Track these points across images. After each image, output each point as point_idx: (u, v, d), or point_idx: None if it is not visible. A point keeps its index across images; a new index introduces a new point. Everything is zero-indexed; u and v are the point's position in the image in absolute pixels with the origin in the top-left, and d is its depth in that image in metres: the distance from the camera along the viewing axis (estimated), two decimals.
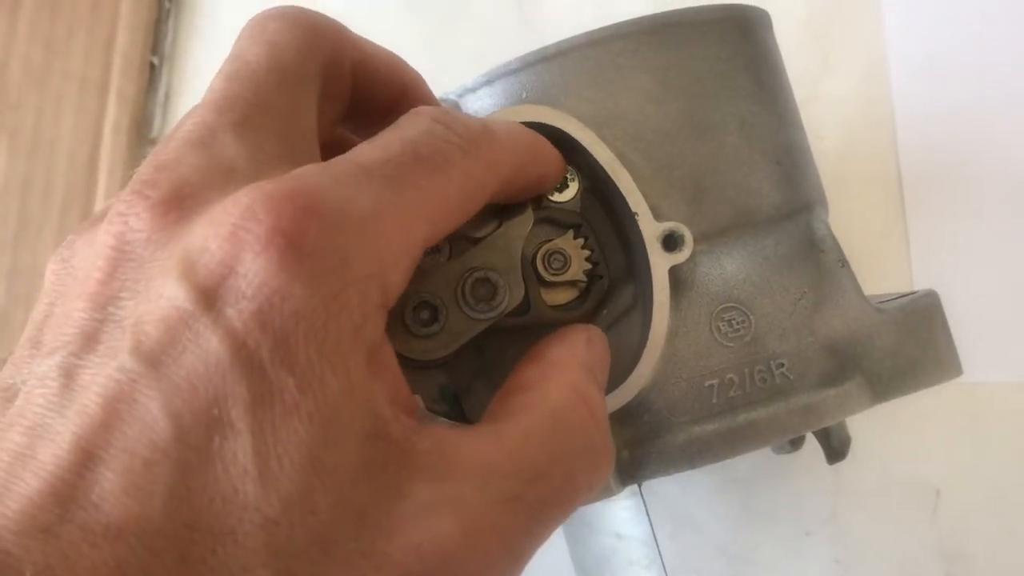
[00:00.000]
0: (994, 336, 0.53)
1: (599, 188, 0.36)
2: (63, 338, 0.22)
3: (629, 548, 0.38)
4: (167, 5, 0.63)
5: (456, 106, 0.38)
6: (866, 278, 0.37)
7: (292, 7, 0.29)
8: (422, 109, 0.28)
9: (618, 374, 0.34)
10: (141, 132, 0.61)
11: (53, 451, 0.20)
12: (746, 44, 0.39)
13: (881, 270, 0.55)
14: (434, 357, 0.33)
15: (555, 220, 0.36)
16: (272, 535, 0.20)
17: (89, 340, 0.22)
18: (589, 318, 0.36)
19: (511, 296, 0.34)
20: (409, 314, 0.33)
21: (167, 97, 0.62)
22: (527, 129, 0.32)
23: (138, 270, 0.22)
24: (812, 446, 0.45)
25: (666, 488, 0.54)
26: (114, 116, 0.61)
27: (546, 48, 0.36)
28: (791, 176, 0.38)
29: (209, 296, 0.21)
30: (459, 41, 0.63)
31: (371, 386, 0.23)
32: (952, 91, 0.57)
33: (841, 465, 0.52)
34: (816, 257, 0.37)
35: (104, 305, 0.22)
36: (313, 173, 0.23)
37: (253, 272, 0.21)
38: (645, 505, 0.38)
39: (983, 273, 0.54)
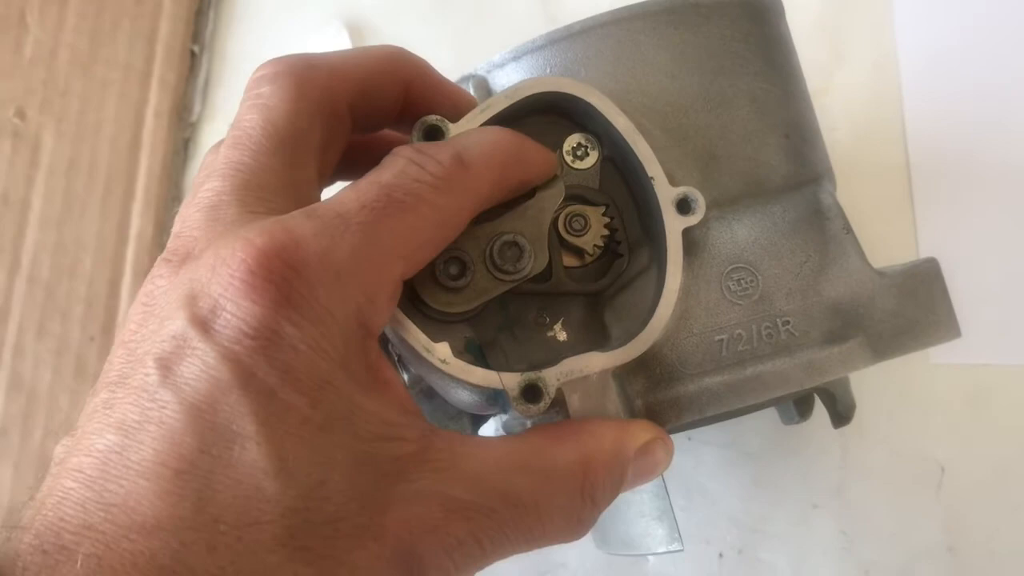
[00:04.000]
0: (1000, 319, 0.55)
1: (618, 157, 0.38)
2: (106, 380, 0.27)
3: (641, 501, 0.39)
4: None
5: (484, 81, 0.41)
6: (872, 261, 0.39)
7: (284, 61, 0.32)
8: (400, 150, 0.32)
9: (634, 329, 0.36)
10: (181, 117, 0.64)
11: (96, 464, 0.25)
12: (758, 26, 0.41)
13: (889, 257, 0.57)
14: (458, 310, 0.36)
15: (585, 198, 0.38)
16: (291, 521, 0.25)
17: (123, 377, 0.27)
18: (605, 290, 0.38)
19: (535, 262, 0.36)
20: (440, 266, 0.36)
21: (207, 83, 0.65)
22: (508, 139, 0.35)
23: (159, 316, 0.27)
24: (819, 422, 0.47)
25: (680, 461, 0.55)
26: (155, 102, 0.64)
27: (571, 25, 0.39)
28: (799, 150, 0.40)
29: (213, 333, 0.26)
30: (485, 36, 0.65)
31: (376, 399, 0.28)
32: (960, 83, 0.59)
33: (848, 441, 0.55)
34: (822, 224, 0.39)
35: (134, 349, 0.27)
36: (298, 224, 0.28)
37: (252, 315, 0.26)
38: None
39: (989, 260, 0.56)
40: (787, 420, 0.49)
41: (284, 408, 0.25)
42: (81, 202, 0.62)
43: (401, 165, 0.31)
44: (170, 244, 0.30)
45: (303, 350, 0.26)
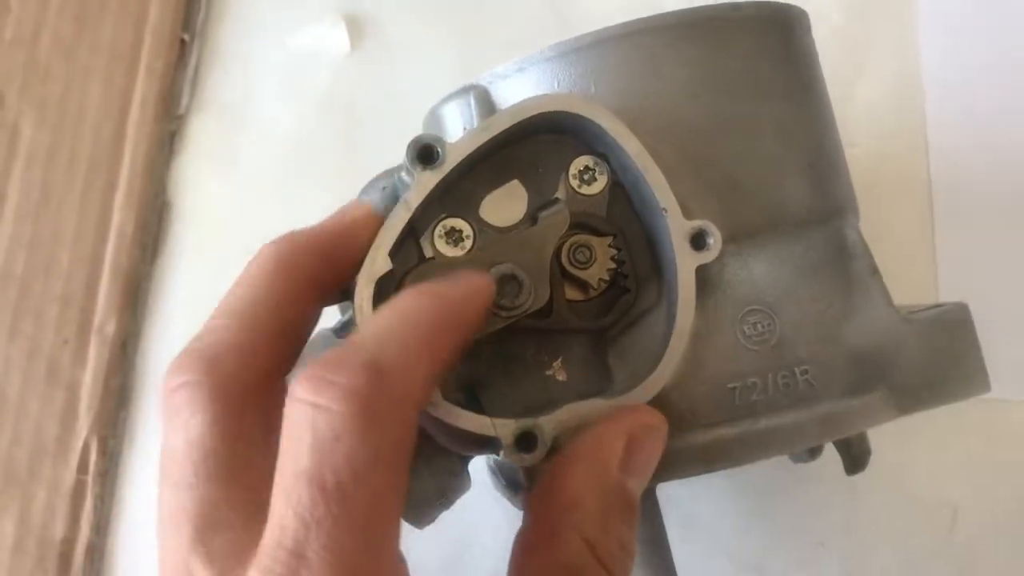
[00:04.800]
0: (1020, 354, 0.52)
1: (628, 183, 0.35)
2: None
3: (641, 551, 0.37)
4: None
5: (486, 92, 0.38)
6: (891, 289, 0.36)
7: (186, 364, 0.29)
8: (294, 396, 0.26)
9: (639, 372, 0.34)
10: (168, 107, 0.61)
11: None
12: (784, 43, 0.38)
13: (906, 282, 0.54)
14: None
15: (591, 227, 0.35)
16: None
17: None
18: (610, 328, 0.35)
19: (535, 297, 0.33)
20: None
21: (196, 73, 0.62)
22: (427, 305, 0.29)
23: None
24: (830, 455, 0.44)
25: (678, 490, 0.53)
26: (142, 90, 0.61)
27: (581, 37, 0.36)
28: (824, 180, 0.37)
29: None
30: (490, 32, 0.62)
31: None
32: (987, 101, 0.56)
33: (858, 477, 0.52)
34: (846, 264, 0.36)
35: None
36: None
37: None
38: (659, 507, 0.38)
39: (1011, 289, 0.54)
40: (796, 459, 0.46)
41: None
42: (59, 195, 0.59)
43: (307, 433, 0.25)
44: None
45: None
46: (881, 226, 0.52)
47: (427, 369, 0.28)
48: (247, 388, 0.30)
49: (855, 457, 0.41)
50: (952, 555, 0.51)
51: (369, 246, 0.33)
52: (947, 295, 0.54)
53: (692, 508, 0.53)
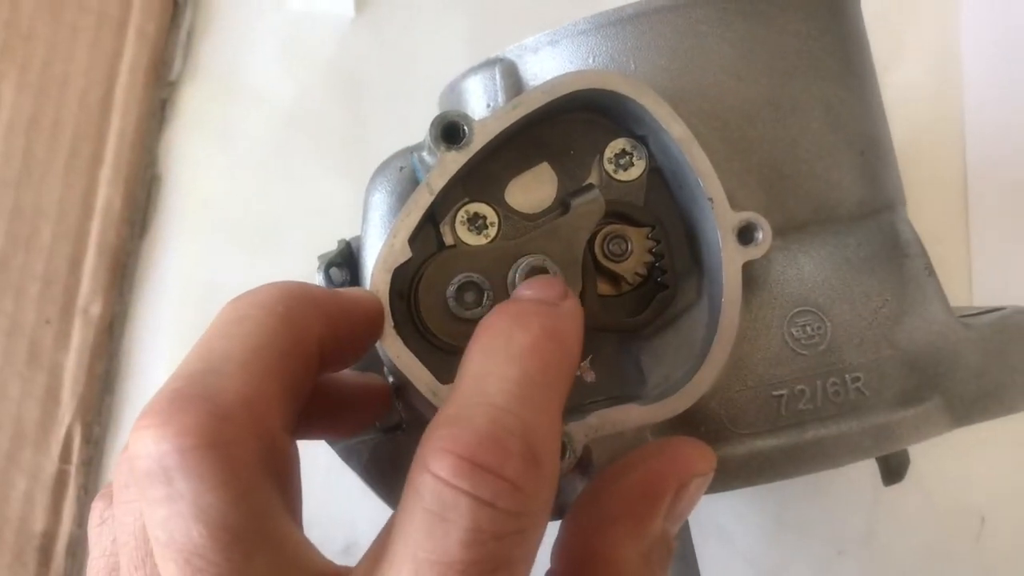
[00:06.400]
0: None
1: (668, 169, 0.33)
2: None
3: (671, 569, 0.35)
4: None
5: (513, 67, 0.35)
6: None
7: (183, 419, 0.23)
8: (439, 492, 0.23)
9: (676, 375, 0.31)
10: (159, 73, 0.57)
11: None
12: (837, 21, 0.35)
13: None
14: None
15: (627, 216, 0.32)
16: None
17: None
18: (645, 327, 0.33)
19: None
20: (452, 292, 0.30)
21: (189, 37, 0.58)
22: (552, 377, 0.26)
23: None
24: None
25: None
26: (131, 54, 0.57)
27: (622, 9, 0.33)
28: (875, 170, 0.35)
29: None
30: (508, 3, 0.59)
31: None
32: None
33: (881, 482, 0.50)
34: (900, 262, 0.33)
35: None
36: None
37: None
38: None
39: None
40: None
41: None
42: (42, 165, 0.55)
43: (468, 520, 0.22)
44: None
45: None
46: (912, 219, 0.49)
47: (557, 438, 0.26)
48: (260, 449, 0.24)
49: (893, 467, 0.38)
50: (979, 565, 0.49)
51: (369, 341, 0.29)
52: (981, 295, 0.51)
53: (710, 512, 0.50)
